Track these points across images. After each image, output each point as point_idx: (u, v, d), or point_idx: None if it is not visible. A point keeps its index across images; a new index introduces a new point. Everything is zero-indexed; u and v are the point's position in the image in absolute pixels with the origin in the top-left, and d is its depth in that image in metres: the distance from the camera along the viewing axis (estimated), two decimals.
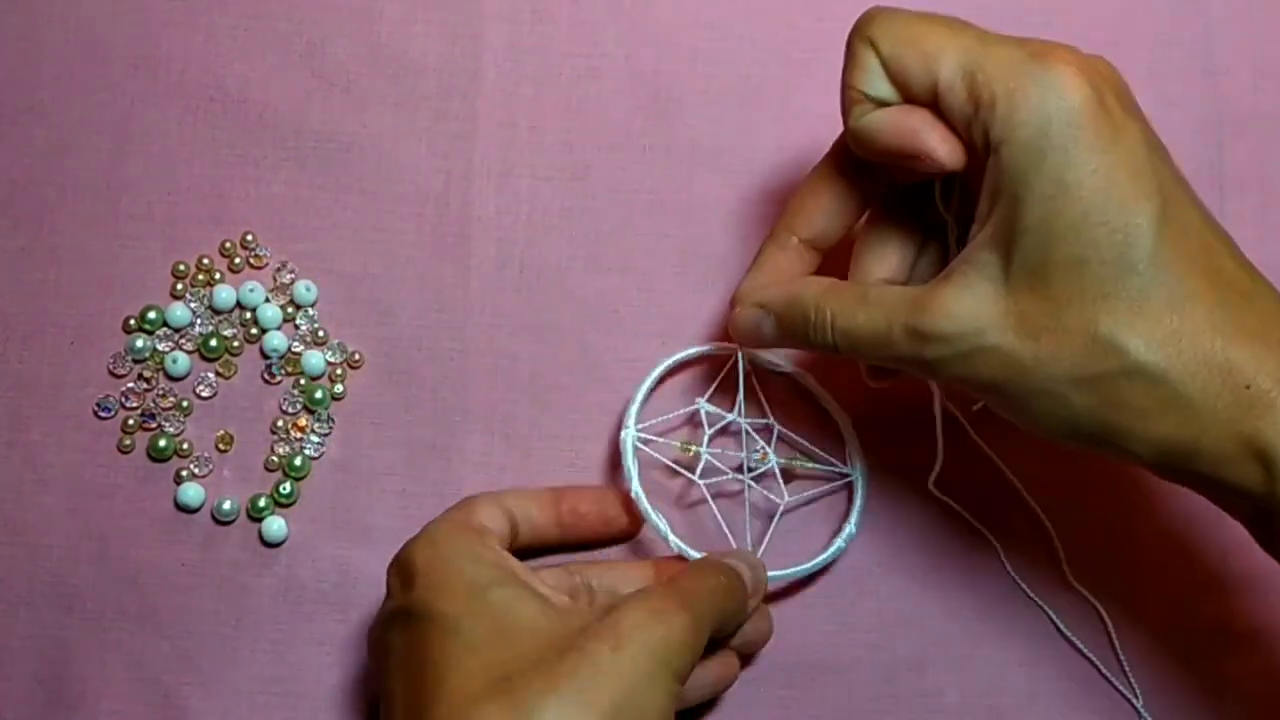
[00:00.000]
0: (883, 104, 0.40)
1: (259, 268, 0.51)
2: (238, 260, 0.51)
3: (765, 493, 0.48)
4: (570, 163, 0.52)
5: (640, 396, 0.48)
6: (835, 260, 0.46)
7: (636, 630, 0.38)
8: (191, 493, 0.49)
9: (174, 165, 0.52)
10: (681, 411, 0.49)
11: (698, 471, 0.47)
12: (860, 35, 0.40)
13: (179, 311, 0.51)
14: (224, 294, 0.51)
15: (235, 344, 0.51)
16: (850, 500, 0.48)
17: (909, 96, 0.40)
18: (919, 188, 0.43)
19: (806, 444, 0.49)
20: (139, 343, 0.50)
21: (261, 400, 0.50)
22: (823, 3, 0.53)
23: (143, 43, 0.53)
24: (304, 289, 0.51)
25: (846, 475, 0.48)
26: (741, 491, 0.47)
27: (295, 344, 0.51)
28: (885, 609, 0.49)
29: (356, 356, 0.51)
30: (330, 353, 0.51)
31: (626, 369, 0.50)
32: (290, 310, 0.51)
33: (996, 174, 0.37)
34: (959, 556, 0.49)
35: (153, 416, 0.50)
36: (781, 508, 0.47)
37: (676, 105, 0.52)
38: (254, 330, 0.51)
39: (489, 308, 0.51)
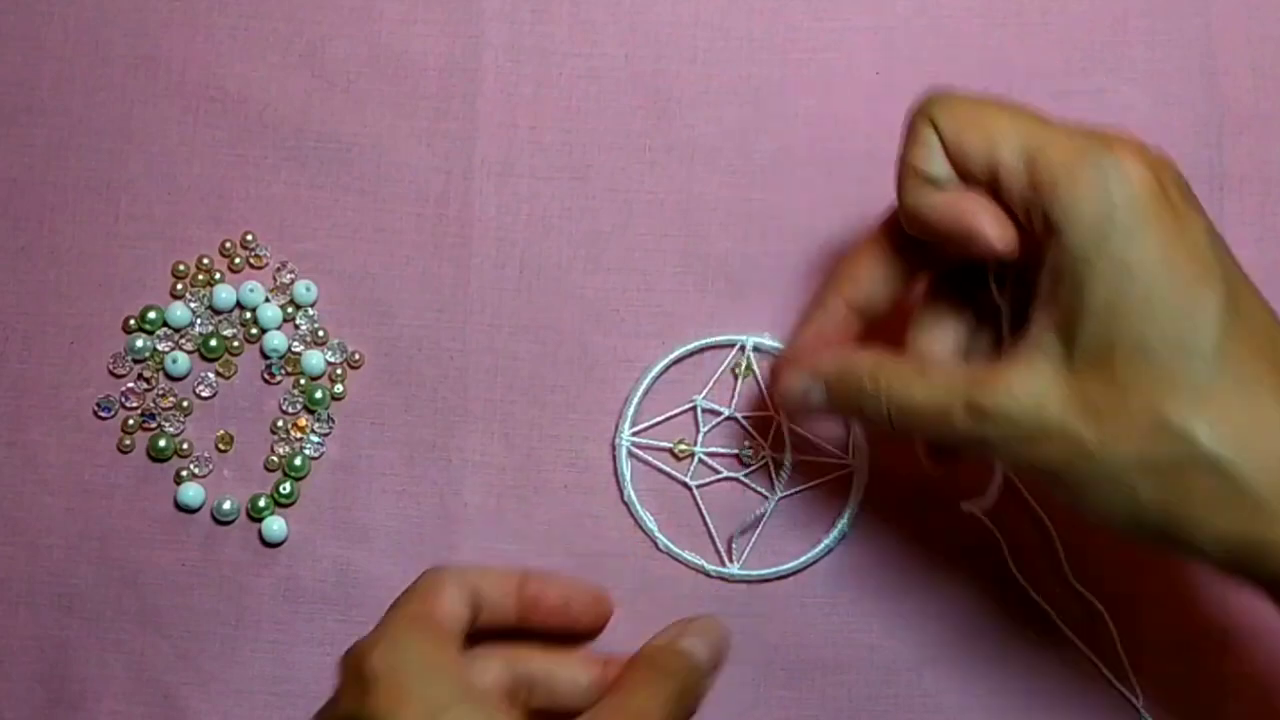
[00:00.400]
0: (938, 184, 0.40)
1: (259, 268, 0.51)
2: (238, 260, 0.51)
3: (757, 489, 0.48)
4: (570, 163, 0.52)
5: (635, 400, 0.49)
6: (882, 332, 0.45)
7: None
8: (191, 493, 0.49)
9: (174, 165, 0.52)
10: (678, 410, 0.49)
11: (689, 473, 0.47)
12: (922, 114, 0.40)
13: (179, 311, 0.51)
14: (224, 294, 0.51)
15: (235, 344, 0.51)
16: (848, 494, 0.48)
17: (967, 177, 0.39)
18: (974, 268, 0.43)
19: (807, 435, 0.49)
20: (139, 343, 0.50)
21: (261, 400, 0.50)
22: (823, 3, 0.53)
23: (143, 43, 0.53)
24: (304, 289, 0.51)
25: (846, 465, 0.48)
26: (739, 489, 0.48)
27: (295, 344, 0.51)
28: (885, 609, 0.49)
29: (357, 356, 0.51)
30: (330, 353, 0.51)
31: (626, 369, 0.50)
32: (290, 310, 0.51)
33: (1058, 255, 0.37)
34: (959, 556, 0.49)
35: (153, 416, 0.50)
36: (774, 501, 0.48)
37: (676, 105, 0.52)
38: (254, 330, 0.51)
39: (489, 308, 0.51)
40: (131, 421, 0.50)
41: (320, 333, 0.51)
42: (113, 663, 0.49)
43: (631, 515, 0.46)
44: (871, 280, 0.43)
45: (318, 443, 0.50)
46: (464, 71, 0.52)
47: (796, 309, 0.50)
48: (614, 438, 0.48)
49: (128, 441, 0.50)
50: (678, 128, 0.52)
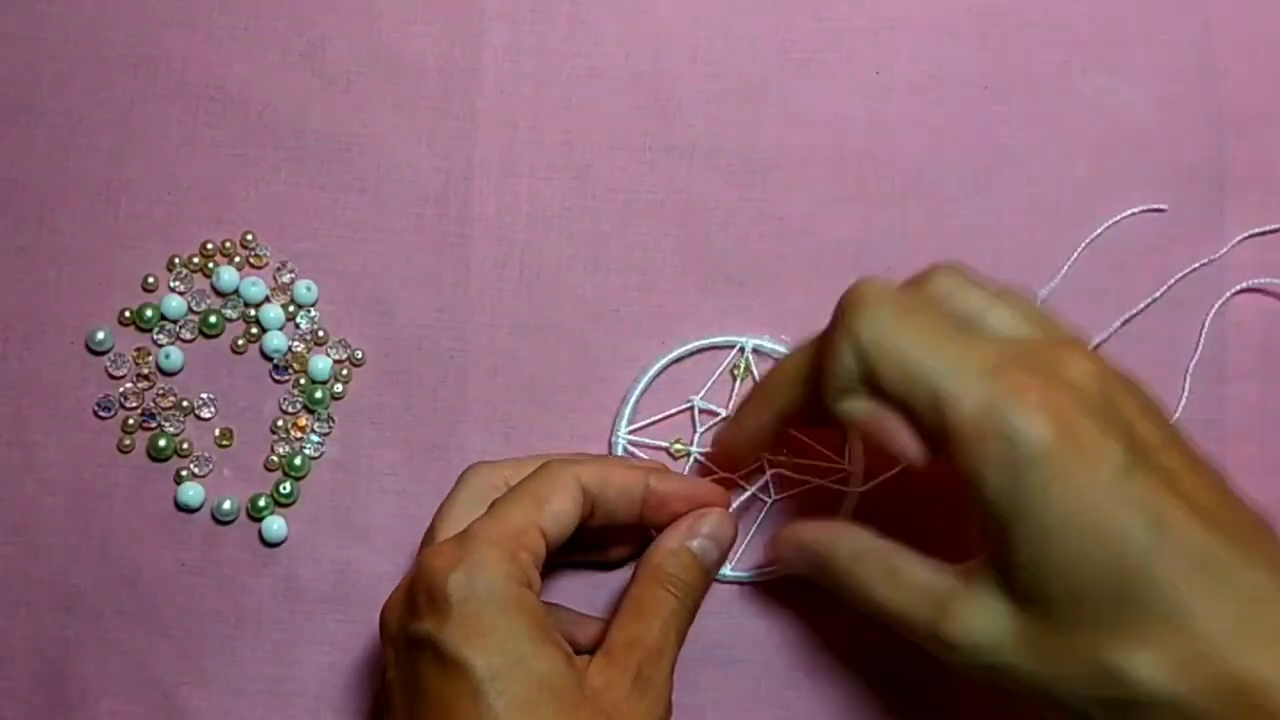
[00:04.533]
0: (858, 393, 0.40)
1: (259, 268, 0.51)
2: (237, 260, 0.51)
3: (753, 490, 0.48)
4: (570, 163, 0.52)
5: (633, 399, 0.49)
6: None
7: (624, 709, 0.40)
8: (191, 493, 0.49)
9: (174, 165, 0.52)
10: (675, 410, 0.49)
11: (685, 472, 0.48)
12: (844, 326, 0.40)
13: (174, 303, 0.51)
14: (226, 275, 0.51)
15: (239, 340, 0.51)
16: (843, 500, 0.48)
17: (883, 400, 0.39)
18: None
19: (805, 439, 0.49)
20: (109, 338, 0.50)
21: (261, 400, 0.50)
22: (823, 3, 0.53)
23: (143, 43, 0.53)
24: (304, 289, 0.51)
25: (842, 470, 0.48)
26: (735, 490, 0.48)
27: (295, 344, 0.51)
28: None
29: (358, 355, 0.51)
30: (333, 350, 0.51)
31: (626, 369, 0.50)
32: (290, 310, 0.51)
33: (978, 509, 0.37)
34: (959, 556, 0.49)
35: (152, 416, 0.50)
36: (769, 503, 0.48)
37: (676, 105, 0.52)
38: (254, 330, 0.51)
39: (489, 308, 0.51)
40: (131, 421, 0.50)
41: (320, 333, 0.51)
42: (113, 663, 0.49)
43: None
44: (806, 402, 0.43)
45: (318, 443, 0.50)
46: (464, 71, 0.52)
47: (797, 309, 0.50)
48: (610, 436, 0.49)
49: (128, 441, 0.50)
50: (678, 128, 0.52)
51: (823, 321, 0.42)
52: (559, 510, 0.42)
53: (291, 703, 0.49)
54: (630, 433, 0.49)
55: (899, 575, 0.41)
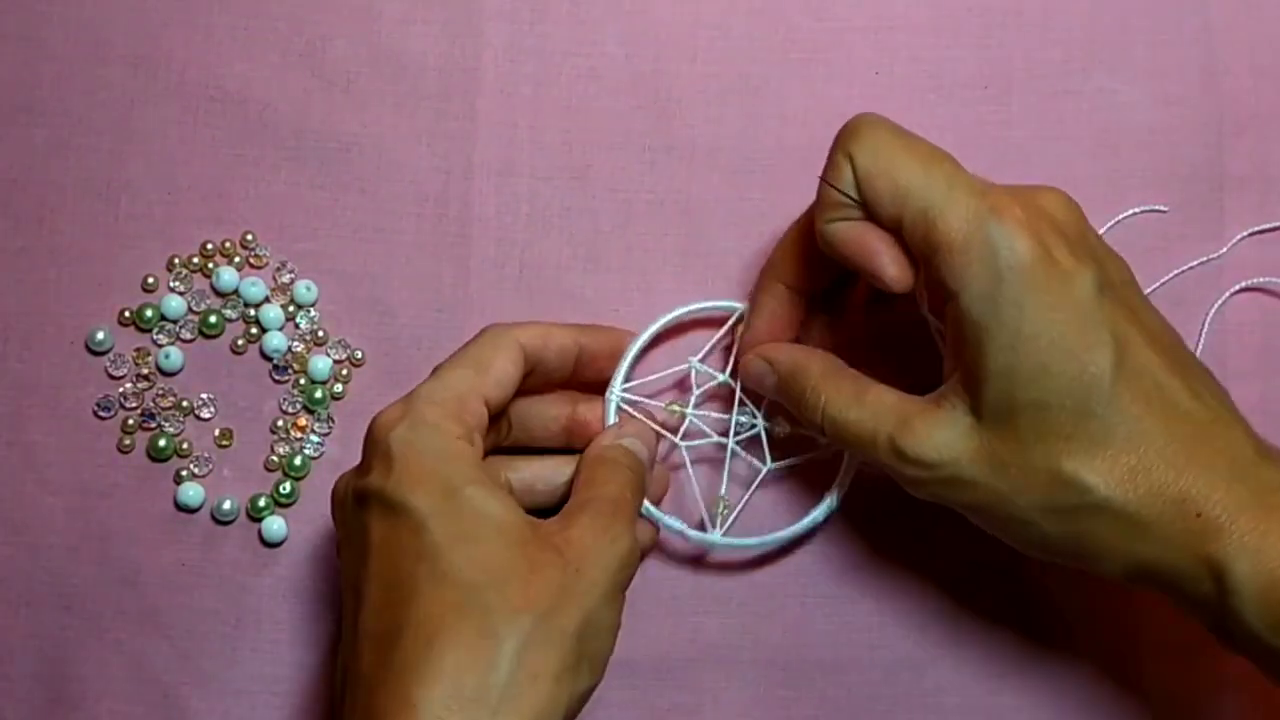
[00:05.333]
0: (849, 212, 0.42)
1: (259, 268, 0.51)
2: (237, 260, 0.51)
3: (749, 458, 0.48)
4: (570, 163, 0.52)
5: (630, 356, 0.48)
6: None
7: (595, 553, 0.40)
8: (191, 493, 0.49)
9: (174, 165, 0.52)
10: (673, 370, 0.49)
11: (680, 434, 0.48)
12: (841, 145, 0.42)
13: (174, 303, 0.51)
14: (226, 275, 0.51)
15: (239, 340, 0.51)
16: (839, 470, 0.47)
17: (875, 217, 0.41)
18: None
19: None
20: (103, 336, 0.50)
21: (261, 400, 0.50)
22: (823, 3, 0.53)
23: (143, 43, 0.53)
24: (304, 289, 0.51)
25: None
26: (728, 462, 0.48)
27: (295, 344, 0.51)
28: (885, 609, 0.49)
29: (358, 355, 0.51)
30: (333, 350, 0.51)
31: None
32: (290, 310, 0.51)
33: (956, 319, 0.40)
34: (960, 556, 0.49)
35: (152, 416, 0.50)
36: (763, 471, 0.47)
37: (676, 105, 0.52)
38: (254, 330, 0.51)
39: (489, 308, 0.51)
40: (131, 421, 0.50)
41: (320, 333, 0.51)
42: (113, 663, 0.49)
43: None
44: (805, 263, 0.46)
45: (318, 443, 0.50)
46: (464, 71, 0.52)
47: None
48: (605, 394, 0.48)
49: (128, 441, 0.50)
50: (678, 128, 0.52)
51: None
52: (500, 374, 0.44)
53: (291, 703, 0.49)
54: (625, 389, 0.48)
55: (867, 395, 0.43)
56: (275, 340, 0.50)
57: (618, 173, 0.52)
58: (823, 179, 0.42)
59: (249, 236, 0.51)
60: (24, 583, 0.49)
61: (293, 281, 0.51)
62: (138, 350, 0.51)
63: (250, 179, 0.52)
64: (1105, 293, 0.39)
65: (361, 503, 0.41)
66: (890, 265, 0.41)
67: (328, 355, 0.51)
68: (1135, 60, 0.52)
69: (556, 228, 0.52)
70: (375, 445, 0.42)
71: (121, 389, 0.50)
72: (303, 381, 0.50)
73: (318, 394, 0.50)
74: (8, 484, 0.50)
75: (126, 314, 0.51)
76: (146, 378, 0.50)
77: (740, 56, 0.53)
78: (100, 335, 0.50)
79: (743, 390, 0.48)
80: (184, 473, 0.50)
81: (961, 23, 0.52)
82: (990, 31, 0.52)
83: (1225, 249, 0.51)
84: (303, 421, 0.50)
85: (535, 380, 0.46)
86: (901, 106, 0.52)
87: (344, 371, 0.51)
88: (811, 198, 0.51)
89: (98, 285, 0.51)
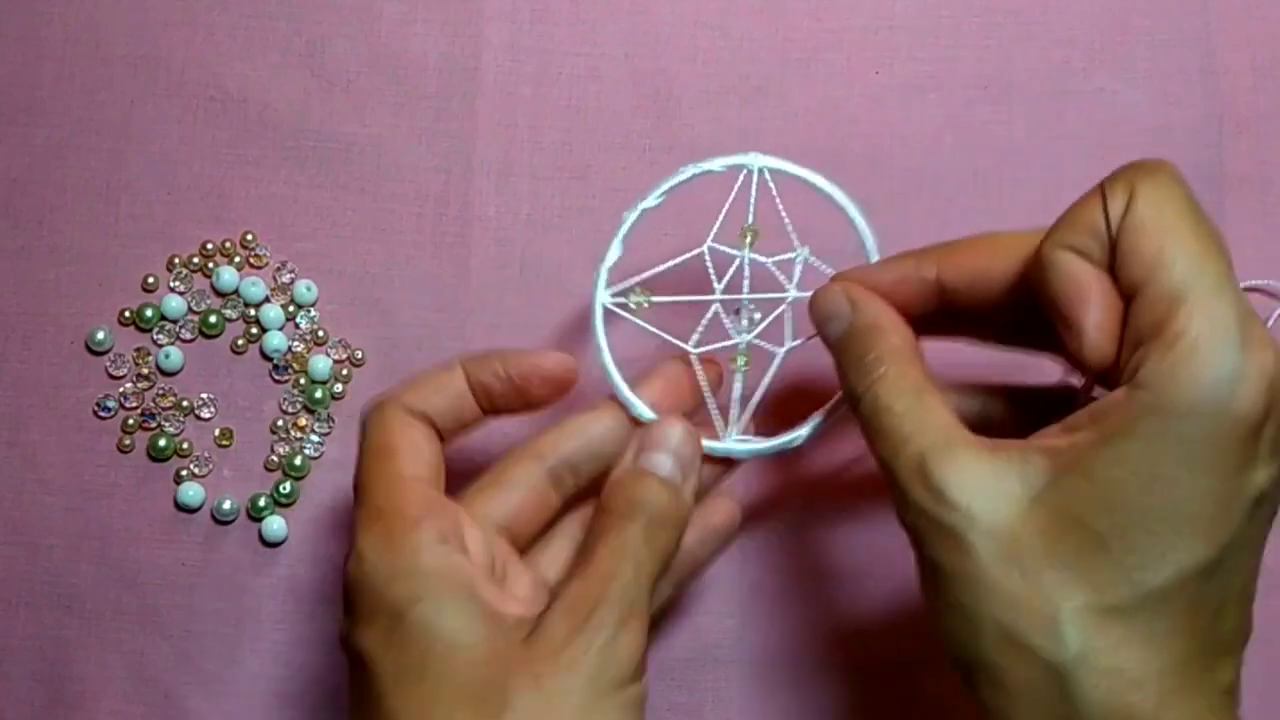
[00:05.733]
0: (1086, 254, 0.35)
1: (259, 268, 0.51)
2: (237, 260, 0.51)
3: (765, 344, 0.43)
4: (570, 163, 0.52)
5: (614, 246, 0.44)
6: None
7: (567, 659, 0.35)
8: (191, 492, 0.49)
9: (174, 165, 0.52)
10: (687, 257, 0.43)
11: (692, 340, 0.43)
12: (1126, 179, 0.35)
13: (174, 303, 0.51)
14: (226, 275, 0.51)
15: (239, 340, 0.51)
16: None
17: (1111, 272, 0.35)
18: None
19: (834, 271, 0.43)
20: (102, 336, 0.50)
21: (261, 400, 0.50)
22: (823, 3, 0.53)
23: (143, 43, 0.53)
24: (304, 289, 0.51)
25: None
26: (748, 346, 0.43)
27: (295, 344, 0.51)
28: (885, 608, 0.49)
29: (358, 355, 0.51)
30: (333, 350, 0.51)
31: (627, 368, 0.50)
32: (291, 310, 0.51)
33: (1116, 407, 0.33)
34: None
35: (152, 416, 0.50)
36: (784, 351, 0.43)
37: (676, 105, 0.52)
38: (254, 330, 0.51)
39: (489, 308, 0.51)
40: (131, 421, 0.50)
41: (320, 333, 0.51)
42: (113, 663, 0.49)
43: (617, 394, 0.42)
44: (984, 273, 0.39)
45: (318, 443, 0.50)
46: (464, 71, 0.52)
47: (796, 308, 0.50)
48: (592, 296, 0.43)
49: (128, 441, 0.50)
50: (678, 128, 0.52)
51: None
52: (411, 448, 0.39)
53: (291, 703, 0.49)
54: (614, 294, 0.43)
55: (927, 396, 0.36)
56: (275, 340, 0.50)
57: (618, 173, 0.52)
58: (1076, 204, 0.36)
59: (249, 236, 0.51)
60: (24, 583, 0.49)
61: (293, 281, 0.51)
62: (138, 350, 0.51)
63: (250, 179, 0.52)
64: (1260, 504, 0.33)
65: (345, 653, 0.38)
66: (1095, 328, 0.34)
67: (328, 355, 0.51)
68: (1135, 60, 0.52)
69: (556, 228, 0.52)
70: (343, 594, 0.38)
71: (121, 389, 0.50)
72: (303, 381, 0.50)
73: (318, 394, 0.50)
74: (8, 484, 0.50)
75: (126, 314, 0.51)
76: (146, 378, 0.50)
77: (740, 56, 0.53)
78: (100, 335, 0.50)
79: (771, 264, 0.42)
80: (184, 473, 0.50)
81: (961, 23, 0.52)
82: (990, 31, 0.52)
83: None
84: (303, 421, 0.50)
85: (457, 427, 0.41)
86: (901, 106, 0.52)
87: (344, 371, 0.51)
88: (813, 196, 0.51)
89: (98, 285, 0.51)
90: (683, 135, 0.52)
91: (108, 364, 0.50)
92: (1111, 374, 0.35)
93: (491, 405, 0.42)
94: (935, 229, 0.51)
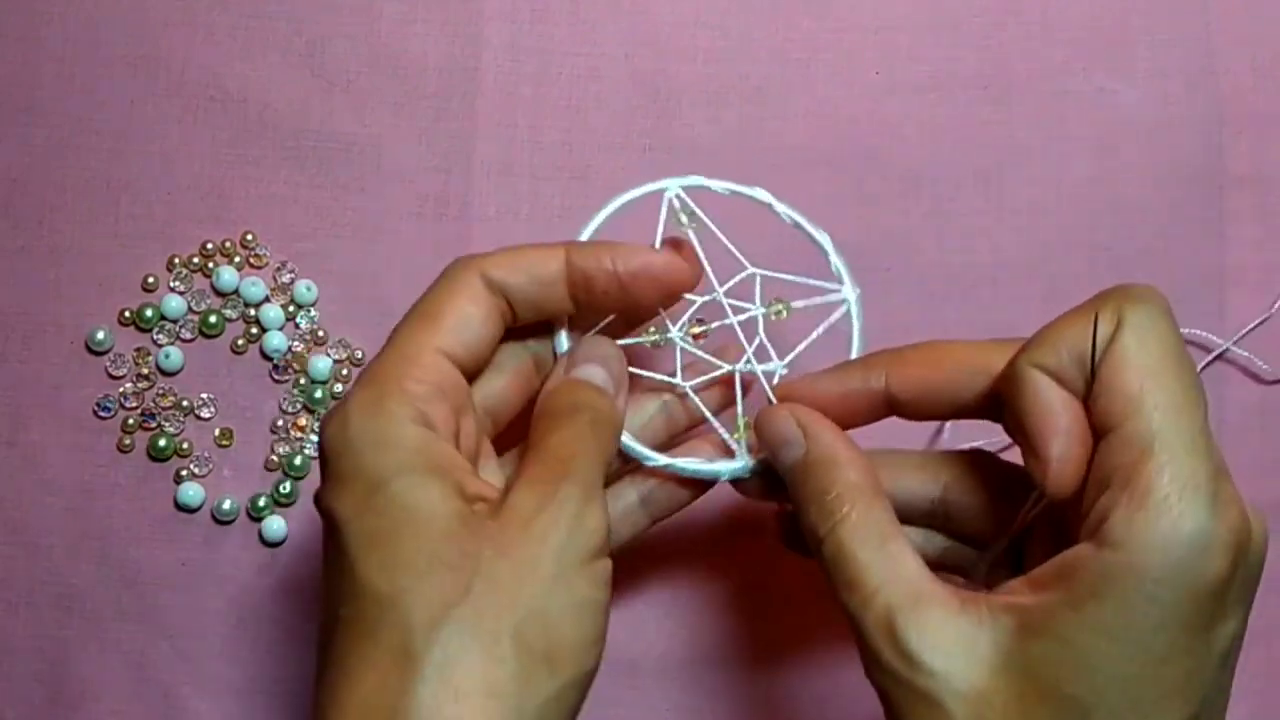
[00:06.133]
0: (1061, 377, 0.34)
1: (259, 267, 0.51)
2: (237, 260, 0.51)
3: (759, 367, 0.42)
4: (570, 163, 0.52)
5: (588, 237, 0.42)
6: None
7: (535, 529, 0.34)
8: (191, 492, 0.49)
9: (174, 165, 0.52)
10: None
11: (677, 372, 0.42)
12: (1113, 303, 0.34)
13: (174, 303, 0.51)
14: (226, 275, 0.51)
15: (239, 340, 0.51)
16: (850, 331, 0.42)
17: (1086, 404, 0.34)
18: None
19: (791, 278, 0.42)
20: (103, 336, 0.50)
21: (261, 400, 0.50)
22: (823, 3, 0.53)
23: (143, 42, 0.53)
24: (304, 289, 0.51)
25: (841, 298, 0.42)
26: (731, 377, 0.42)
27: (295, 344, 0.51)
28: None
29: (358, 355, 0.51)
30: (333, 350, 0.51)
31: None
32: (290, 310, 0.51)
33: (1085, 566, 0.32)
34: None
35: (152, 416, 0.50)
36: (776, 375, 0.41)
37: (676, 105, 0.52)
38: (254, 330, 0.51)
39: None
40: (131, 421, 0.50)
41: (320, 333, 0.51)
42: (113, 663, 0.49)
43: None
44: (927, 386, 0.38)
45: (317, 442, 0.50)
46: (464, 71, 0.52)
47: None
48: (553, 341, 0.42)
49: (128, 441, 0.50)
50: (678, 128, 0.52)
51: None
52: (458, 318, 0.38)
53: (291, 703, 0.48)
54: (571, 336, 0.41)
55: (891, 543, 0.35)
56: (275, 340, 0.50)
57: (618, 173, 0.52)
58: (1056, 323, 0.35)
59: (249, 236, 0.51)
60: (24, 583, 0.49)
61: (293, 281, 0.51)
62: (138, 350, 0.51)
63: (250, 179, 0.52)
64: (1228, 655, 0.33)
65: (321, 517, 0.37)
66: (1060, 459, 0.34)
67: (328, 355, 0.51)
68: (1135, 60, 0.52)
69: (556, 228, 0.52)
70: (319, 452, 0.37)
71: (121, 389, 0.50)
72: (303, 381, 0.50)
73: (318, 394, 0.50)
74: (8, 484, 0.50)
75: (126, 314, 0.51)
76: (146, 378, 0.50)
77: (740, 56, 0.53)
78: (100, 335, 0.50)
79: (723, 277, 0.41)
80: (184, 473, 0.50)
81: (961, 23, 0.52)
82: (990, 31, 0.52)
83: (1225, 249, 0.51)
84: (303, 421, 0.50)
85: (527, 316, 0.39)
86: (901, 106, 0.52)
87: (344, 371, 0.51)
88: (813, 197, 0.51)
89: (98, 285, 0.51)
90: (683, 135, 0.52)
91: (108, 364, 0.50)
92: (1069, 505, 0.34)
93: (589, 299, 0.40)
94: (935, 229, 0.51)
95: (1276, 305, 0.51)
